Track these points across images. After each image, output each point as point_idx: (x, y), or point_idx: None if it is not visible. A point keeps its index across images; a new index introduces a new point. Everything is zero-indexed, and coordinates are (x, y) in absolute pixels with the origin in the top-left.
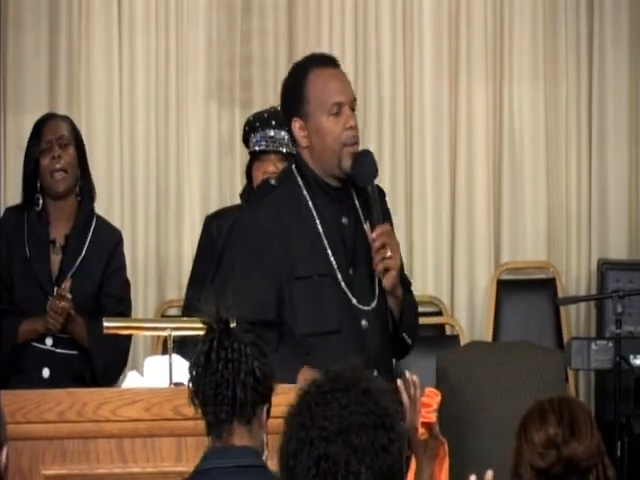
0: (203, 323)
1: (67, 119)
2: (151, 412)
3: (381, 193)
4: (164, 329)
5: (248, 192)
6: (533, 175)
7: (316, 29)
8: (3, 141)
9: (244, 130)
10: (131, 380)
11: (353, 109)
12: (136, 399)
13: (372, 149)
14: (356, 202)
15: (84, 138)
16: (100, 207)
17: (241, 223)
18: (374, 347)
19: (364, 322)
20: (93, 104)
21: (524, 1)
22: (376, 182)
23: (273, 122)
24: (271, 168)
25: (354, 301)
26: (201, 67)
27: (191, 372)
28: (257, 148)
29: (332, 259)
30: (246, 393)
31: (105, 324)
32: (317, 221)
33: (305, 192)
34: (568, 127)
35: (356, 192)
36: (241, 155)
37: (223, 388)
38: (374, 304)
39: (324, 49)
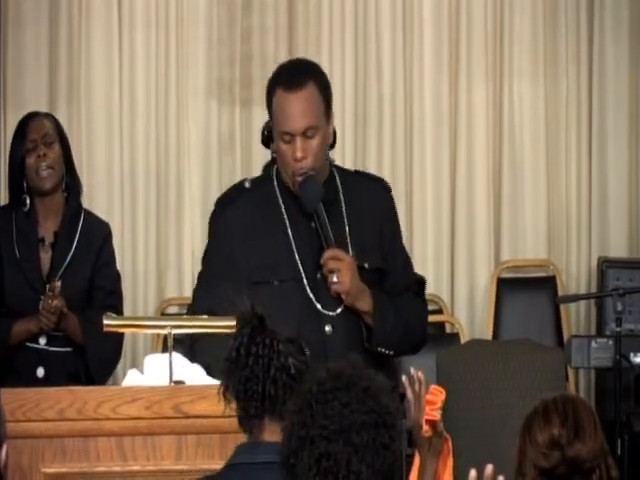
0: (238, 318)
1: (50, 116)
2: (151, 410)
3: (391, 200)
4: (164, 327)
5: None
6: (533, 173)
7: (316, 27)
8: (3, 139)
9: (263, 134)
10: (131, 378)
11: (309, 136)
12: (136, 397)
13: (372, 147)
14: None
15: (84, 136)
16: (100, 205)
17: (211, 224)
18: (337, 353)
19: (328, 328)
20: (93, 101)
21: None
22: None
23: None
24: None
25: (318, 306)
26: (201, 65)
27: (224, 367)
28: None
29: (299, 264)
30: (277, 389)
31: (105, 322)
32: (287, 225)
33: (279, 196)
34: (568, 125)
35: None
36: (241, 153)
37: (253, 383)
38: (340, 310)
39: (324, 47)
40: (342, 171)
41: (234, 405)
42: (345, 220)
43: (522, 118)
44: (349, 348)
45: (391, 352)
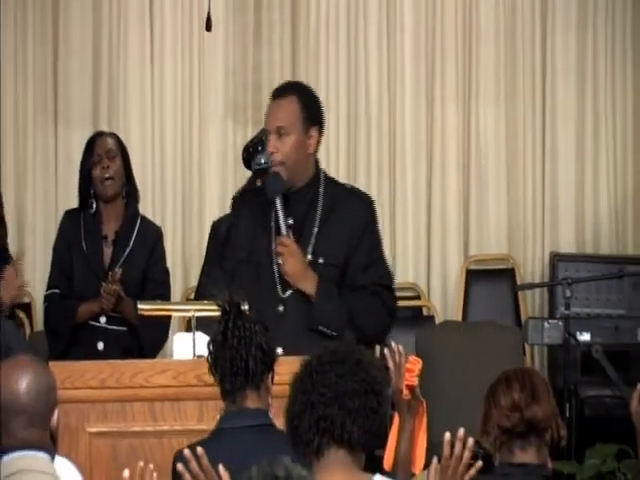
0: (218, 306)
1: (114, 135)
2: (178, 380)
3: (369, 215)
4: (189, 311)
5: None
6: (496, 183)
7: (314, 61)
8: (54, 153)
9: (245, 151)
10: (179, 339)
11: (282, 134)
12: (165, 369)
13: (361, 162)
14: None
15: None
16: None
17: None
18: (290, 331)
19: (280, 307)
20: (129, 121)
21: (489, 35)
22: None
23: (265, 144)
24: None
25: (278, 287)
26: (220, 91)
27: (210, 348)
28: (262, 167)
29: (273, 250)
30: (256, 364)
31: (139, 306)
32: (272, 217)
33: None
34: (525, 142)
35: (308, 199)
36: None
37: (238, 361)
38: (290, 292)
39: (322, 78)
40: (332, 182)
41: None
42: (317, 221)
43: (486, 136)
44: (299, 327)
45: (333, 333)
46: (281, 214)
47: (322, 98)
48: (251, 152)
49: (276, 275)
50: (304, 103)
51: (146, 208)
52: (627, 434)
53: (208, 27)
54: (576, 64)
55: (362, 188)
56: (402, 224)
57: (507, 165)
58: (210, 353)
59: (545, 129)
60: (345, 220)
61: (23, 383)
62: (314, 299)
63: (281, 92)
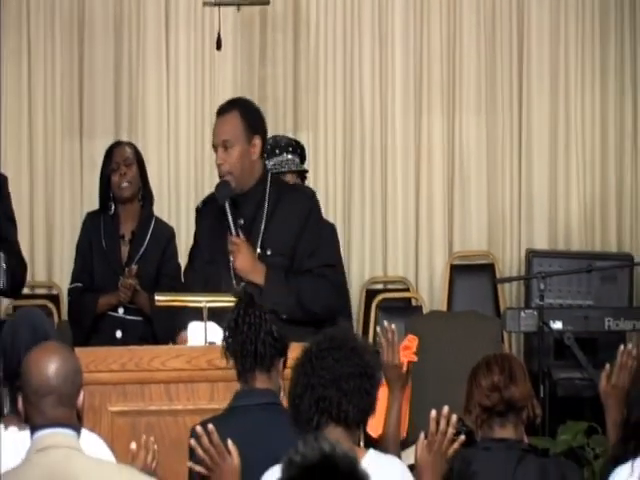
0: (234, 297)
1: (131, 144)
2: (191, 364)
3: (312, 206)
4: (201, 302)
5: None
6: (477, 187)
7: (314, 76)
8: (80, 161)
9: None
10: (193, 327)
11: (227, 147)
12: (180, 354)
13: (356, 167)
14: (265, 207)
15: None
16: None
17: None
18: None
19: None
20: (147, 132)
21: (470, 53)
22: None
23: (277, 150)
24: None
25: (233, 282)
26: None
27: (224, 333)
28: (274, 170)
29: (228, 250)
30: (265, 348)
31: (157, 297)
32: (229, 219)
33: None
34: (503, 150)
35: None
36: None
37: (247, 344)
38: (242, 284)
39: (320, 92)
40: (277, 183)
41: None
42: (264, 218)
43: (469, 144)
44: None
45: (283, 316)
46: (230, 217)
47: (321, 109)
48: (266, 157)
49: (231, 271)
50: (245, 116)
51: (162, 210)
52: (596, 413)
53: (218, 46)
54: (549, 78)
55: (356, 191)
56: (393, 224)
57: (487, 170)
58: (224, 338)
59: (521, 138)
60: (289, 213)
61: (52, 367)
62: (263, 288)
63: (224, 109)
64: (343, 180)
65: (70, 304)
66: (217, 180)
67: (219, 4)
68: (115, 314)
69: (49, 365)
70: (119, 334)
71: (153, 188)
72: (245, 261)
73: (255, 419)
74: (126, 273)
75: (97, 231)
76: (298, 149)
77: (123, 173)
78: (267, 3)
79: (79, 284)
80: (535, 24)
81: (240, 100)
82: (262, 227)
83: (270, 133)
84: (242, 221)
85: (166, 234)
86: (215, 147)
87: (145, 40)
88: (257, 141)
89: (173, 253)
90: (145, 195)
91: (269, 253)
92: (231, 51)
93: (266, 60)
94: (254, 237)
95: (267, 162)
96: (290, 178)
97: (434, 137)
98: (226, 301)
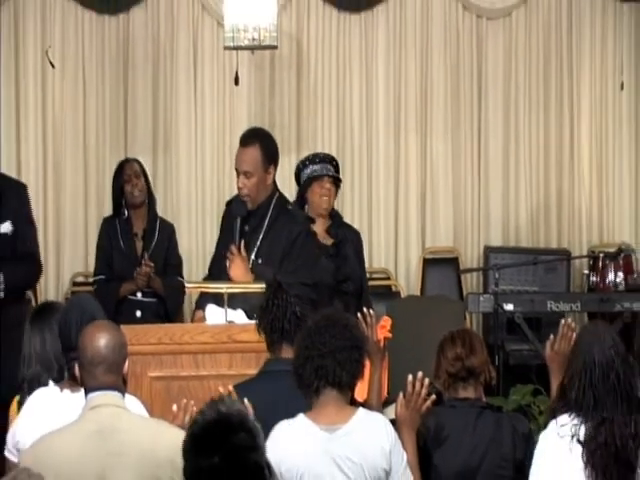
0: (267, 283)
1: (137, 161)
2: (214, 338)
3: (300, 231)
4: (222, 288)
5: (300, 205)
6: (444, 195)
7: (313, 107)
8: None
9: (297, 168)
10: (210, 310)
11: (247, 177)
12: (205, 330)
13: (347, 180)
14: (266, 219)
15: (173, 174)
16: (182, 221)
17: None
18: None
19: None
20: (179, 150)
21: (439, 86)
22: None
23: (317, 159)
24: (327, 185)
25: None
26: (244, 129)
27: (258, 313)
28: (316, 174)
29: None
30: (290, 325)
31: (186, 285)
32: (236, 231)
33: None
34: (465, 165)
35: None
36: None
37: (276, 322)
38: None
39: (318, 119)
40: (280, 202)
41: (263, 336)
42: (263, 230)
43: (438, 160)
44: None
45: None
46: (237, 229)
47: (318, 132)
48: (308, 164)
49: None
50: (264, 149)
51: (191, 222)
52: (540, 378)
53: (236, 82)
54: (502, 108)
55: (347, 198)
56: (376, 225)
57: (452, 181)
58: (257, 316)
59: (480, 155)
60: (282, 232)
61: (103, 341)
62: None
63: (247, 141)
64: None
65: (96, 292)
66: (235, 190)
67: (237, 48)
68: (134, 297)
69: (101, 339)
70: (138, 314)
71: (182, 199)
72: (237, 271)
73: (279, 381)
74: (143, 263)
75: (114, 232)
76: (334, 162)
77: (135, 184)
78: (275, 48)
79: (102, 276)
80: (492, 64)
81: (260, 133)
82: (260, 238)
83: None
84: (247, 228)
85: (169, 230)
86: (237, 171)
87: (177, 76)
88: (272, 170)
89: (175, 245)
90: (150, 200)
91: (260, 261)
92: (246, 86)
93: (274, 93)
94: (252, 245)
95: (308, 168)
96: (327, 181)
97: (410, 154)
98: (243, 288)
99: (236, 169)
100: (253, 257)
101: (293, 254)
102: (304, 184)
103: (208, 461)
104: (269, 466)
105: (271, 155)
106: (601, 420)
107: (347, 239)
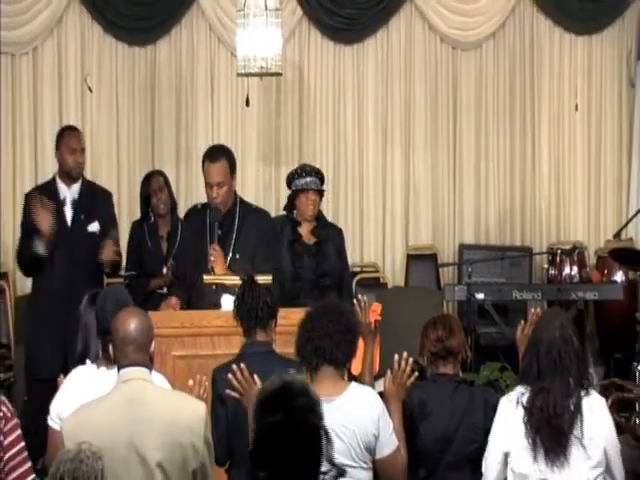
0: (240, 278)
1: (161, 173)
2: (228, 322)
3: (268, 224)
4: (235, 280)
5: (289, 210)
6: (425, 201)
7: (312, 125)
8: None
9: (289, 178)
10: (226, 299)
11: (219, 186)
12: (220, 316)
13: (342, 188)
14: (235, 222)
15: (193, 183)
16: None
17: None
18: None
19: (214, 287)
20: (199, 163)
21: (420, 110)
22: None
23: (304, 173)
24: (312, 197)
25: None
26: (254, 145)
27: (235, 303)
28: (304, 187)
29: (209, 250)
30: (263, 313)
31: (204, 277)
32: (215, 233)
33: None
34: (442, 175)
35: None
36: (275, 192)
37: (252, 311)
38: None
39: (317, 136)
40: (243, 204)
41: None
42: (235, 230)
43: (419, 171)
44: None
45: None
46: (216, 231)
47: (317, 146)
48: (297, 177)
49: (210, 266)
50: (229, 162)
51: None
52: (506, 356)
53: (247, 104)
54: (474, 126)
55: (342, 203)
56: (367, 226)
57: (432, 189)
58: (235, 306)
59: (455, 166)
60: (253, 228)
61: (133, 324)
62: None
63: (215, 156)
64: (333, 195)
65: (127, 286)
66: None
67: (248, 75)
68: (161, 291)
69: (131, 323)
70: (163, 306)
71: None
72: (220, 267)
73: (256, 362)
74: (168, 264)
75: (143, 234)
76: (319, 175)
77: (159, 197)
78: (280, 74)
79: (133, 272)
80: (465, 89)
81: (224, 148)
82: (234, 237)
83: (283, 164)
84: (220, 232)
85: None
86: (210, 185)
87: (197, 99)
88: (234, 178)
89: None
90: (173, 206)
91: (237, 257)
92: (256, 107)
93: (280, 113)
94: (228, 244)
95: (297, 180)
96: (312, 194)
97: (395, 165)
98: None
99: (208, 182)
100: (231, 254)
101: (264, 243)
102: (293, 194)
103: (273, 418)
104: (327, 432)
105: (234, 166)
106: (540, 388)
107: (330, 237)
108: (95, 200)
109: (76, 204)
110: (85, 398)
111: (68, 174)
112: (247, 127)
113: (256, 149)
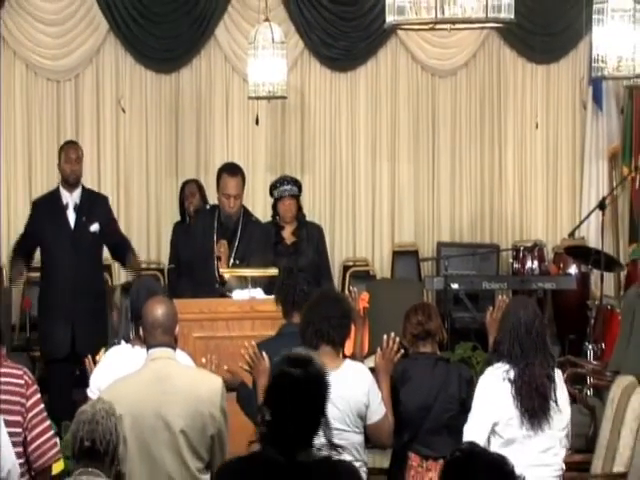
0: (282, 269)
1: (195, 181)
2: (241, 309)
3: (262, 230)
4: (246, 272)
5: (274, 216)
6: (408, 205)
7: (312, 140)
8: (176, 191)
9: (270, 188)
10: (236, 292)
11: (235, 198)
12: (234, 303)
13: (337, 194)
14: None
15: (212, 192)
16: None
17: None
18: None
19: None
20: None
21: (404, 129)
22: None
23: (279, 183)
24: (287, 202)
25: (215, 272)
26: (262, 158)
27: (276, 290)
28: (283, 195)
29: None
30: (300, 298)
31: (221, 271)
32: (214, 231)
33: (216, 218)
34: (423, 183)
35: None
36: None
37: (289, 296)
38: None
39: (316, 149)
40: (246, 214)
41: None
42: (238, 236)
43: (403, 179)
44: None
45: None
46: (226, 231)
47: (316, 160)
48: (278, 186)
49: (215, 263)
50: (243, 178)
51: None
52: (477, 337)
53: (257, 122)
54: (450, 140)
55: (337, 206)
56: (358, 226)
57: (414, 195)
58: (275, 292)
59: (434, 176)
60: (251, 235)
61: (160, 310)
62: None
63: (235, 171)
64: (330, 201)
65: (168, 276)
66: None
67: (257, 98)
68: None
69: (159, 309)
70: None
71: None
72: (224, 261)
73: (293, 340)
74: (167, 268)
75: (183, 232)
76: (296, 182)
77: (190, 202)
78: (285, 98)
79: (172, 265)
80: (442, 111)
81: (239, 166)
82: (236, 243)
83: (287, 174)
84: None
85: None
86: (227, 195)
87: (214, 119)
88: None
89: None
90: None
91: (237, 262)
92: (264, 126)
93: (285, 131)
94: (231, 249)
95: (277, 189)
96: (287, 199)
97: (383, 175)
98: (262, 273)
99: (225, 193)
100: (232, 260)
101: (259, 249)
102: (274, 201)
103: (294, 370)
104: (327, 419)
105: (245, 182)
106: (525, 365)
107: (308, 236)
108: (94, 204)
109: (78, 208)
110: (121, 372)
111: (66, 181)
112: (257, 143)
113: (264, 161)
